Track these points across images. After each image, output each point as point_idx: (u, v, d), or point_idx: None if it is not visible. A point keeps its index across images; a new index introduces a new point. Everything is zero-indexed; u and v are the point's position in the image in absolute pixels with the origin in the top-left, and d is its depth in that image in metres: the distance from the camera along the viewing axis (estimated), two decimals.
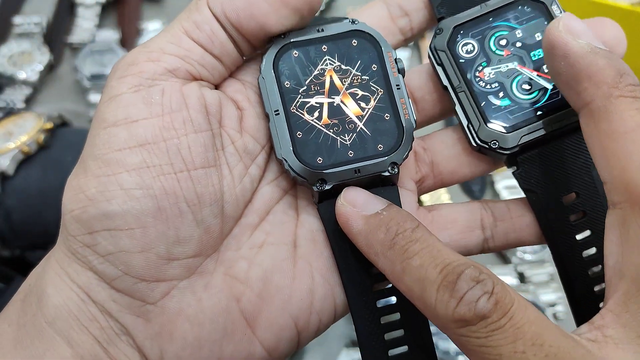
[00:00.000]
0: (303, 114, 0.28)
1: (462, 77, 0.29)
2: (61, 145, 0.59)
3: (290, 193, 0.30)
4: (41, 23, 0.80)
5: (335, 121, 0.28)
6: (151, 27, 0.81)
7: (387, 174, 0.27)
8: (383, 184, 0.28)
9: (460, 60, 0.29)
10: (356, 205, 0.26)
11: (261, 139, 0.29)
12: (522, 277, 0.61)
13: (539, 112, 0.28)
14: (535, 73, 0.29)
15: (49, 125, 0.60)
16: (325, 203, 0.28)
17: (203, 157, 0.26)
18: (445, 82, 0.29)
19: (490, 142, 0.28)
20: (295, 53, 0.28)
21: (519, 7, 0.30)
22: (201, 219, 0.26)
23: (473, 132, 0.29)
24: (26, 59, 0.76)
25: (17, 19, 0.81)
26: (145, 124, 0.25)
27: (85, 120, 0.74)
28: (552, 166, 0.28)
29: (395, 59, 0.28)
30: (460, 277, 0.22)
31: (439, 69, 0.30)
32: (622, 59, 0.30)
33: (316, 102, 0.28)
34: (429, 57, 0.30)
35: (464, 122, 0.29)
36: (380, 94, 0.28)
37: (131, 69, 0.26)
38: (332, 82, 0.28)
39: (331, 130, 0.27)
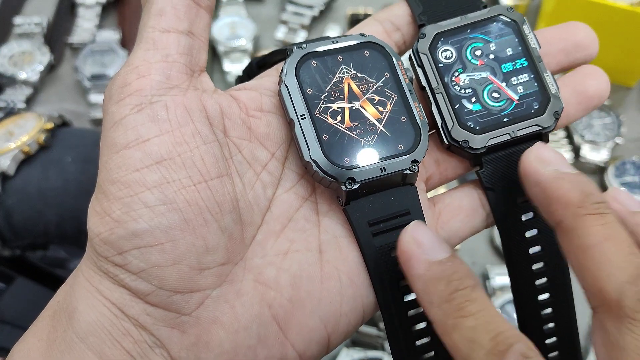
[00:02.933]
0: (327, 118, 0.29)
1: (440, 79, 0.31)
2: (61, 146, 0.60)
3: (310, 200, 0.30)
4: (42, 23, 0.80)
5: (357, 124, 0.29)
6: None
7: (408, 172, 0.29)
8: (403, 184, 0.29)
9: (439, 65, 0.32)
10: (421, 246, 0.26)
11: (271, 147, 0.29)
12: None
13: (505, 119, 0.31)
14: (504, 84, 0.31)
15: (50, 125, 0.60)
16: (352, 205, 0.29)
17: (216, 167, 0.27)
18: (424, 82, 0.31)
19: (461, 142, 0.30)
20: (314, 63, 0.30)
21: (494, 23, 0.32)
22: (225, 226, 0.27)
23: (445, 131, 0.31)
24: (27, 59, 0.76)
25: (17, 20, 0.81)
26: (158, 142, 0.26)
27: (86, 120, 0.74)
28: (511, 169, 0.31)
29: (405, 68, 0.31)
30: (510, 349, 0.22)
31: (419, 70, 0.32)
32: (595, 57, 0.33)
33: (338, 107, 0.29)
34: (410, 59, 0.32)
35: (438, 122, 0.31)
36: (394, 98, 0.30)
37: (126, 90, 0.26)
38: (350, 88, 0.30)
39: (354, 133, 0.29)
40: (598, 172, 0.70)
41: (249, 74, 0.37)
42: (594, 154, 0.70)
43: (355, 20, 0.84)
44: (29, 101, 0.74)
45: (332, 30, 0.83)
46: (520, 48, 0.32)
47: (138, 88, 0.26)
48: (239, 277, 0.27)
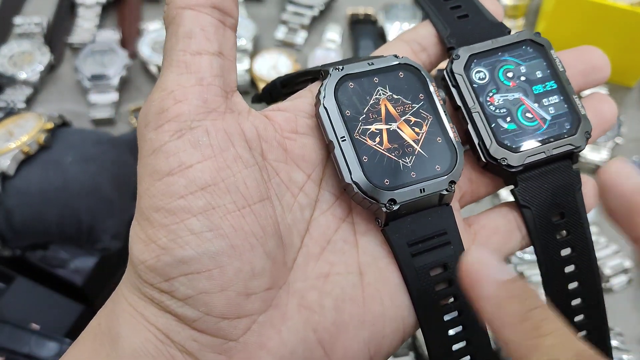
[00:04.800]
0: (366, 140, 0.29)
1: (476, 99, 0.32)
2: (62, 146, 0.59)
3: (347, 221, 0.30)
4: (42, 23, 0.80)
5: (395, 145, 0.29)
6: (151, 27, 0.81)
7: (446, 192, 0.29)
8: (439, 204, 0.30)
9: (474, 85, 0.32)
10: (488, 267, 0.25)
11: (307, 168, 0.29)
12: (521, 277, 0.61)
13: (540, 138, 0.32)
14: (536, 105, 0.32)
15: (50, 125, 0.60)
16: (391, 226, 0.29)
17: (258, 191, 0.27)
18: (459, 102, 0.32)
19: (500, 159, 0.31)
20: (351, 84, 0.30)
21: (523, 47, 0.33)
22: (269, 250, 0.27)
23: (483, 149, 0.31)
24: (27, 59, 0.76)
25: (17, 20, 0.81)
26: (202, 168, 0.26)
27: (86, 120, 0.74)
28: (546, 187, 0.32)
29: (438, 89, 0.31)
30: None
31: (454, 90, 0.32)
32: (610, 72, 0.35)
33: (376, 129, 0.29)
34: (443, 79, 0.33)
35: (475, 140, 0.32)
36: (430, 120, 0.30)
37: (165, 116, 0.26)
38: (387, 110, 0.30)
39: (393, 154, 0.29)
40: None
41: (271, 93, 0.37)
42: (594, 154, 0.70)
43: (355, 20, 0.84)
44: (29, 101, 0.74)
45: (332, 30, 0.83)
46: (548, 71, 0.33)
47: (177, 114, 0.26)
48: (283, 301, 0.27)
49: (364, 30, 0.83)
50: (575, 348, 0.22)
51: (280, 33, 0.82)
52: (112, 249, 0.58)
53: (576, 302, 0.32)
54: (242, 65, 0.77)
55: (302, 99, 0.31)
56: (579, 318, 0.32)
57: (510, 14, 0.82)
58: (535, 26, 0.81)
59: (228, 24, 0.29)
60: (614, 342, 0.57)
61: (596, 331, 0.32)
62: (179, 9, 0.27)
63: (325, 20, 0.85)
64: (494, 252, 0.26)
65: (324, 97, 0.29)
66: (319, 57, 0.78)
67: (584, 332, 0.32)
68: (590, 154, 0.69)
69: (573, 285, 0.32)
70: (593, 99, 0.35)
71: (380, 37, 0.84)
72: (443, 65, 0.34)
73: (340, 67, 0.30)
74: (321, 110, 0.29)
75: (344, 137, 0.29)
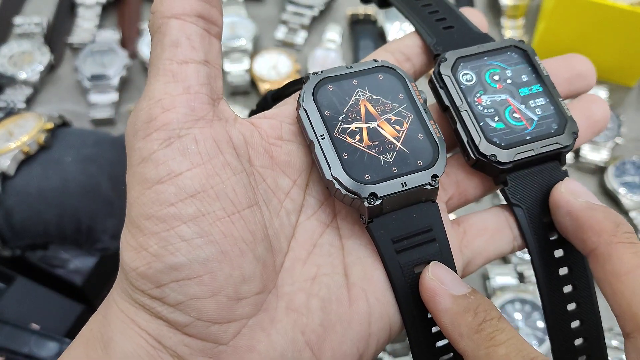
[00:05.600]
0: (346, 138, 0.30)
1: (464, 98, 0.32)
2: (61, 146, 0.59)
3: (332, 225, 0.31)
4: (42, 23, 0.80)
5: (376, 142, 0.30)
6: None
7: (429, 187, 0.29)
8: (424, 201, 0.30)
9: (461, 86, 0.33)
10: (444, 282, 0.27)
11: (292, 174, 0.30)
12: (521, 277, 0.61)
13: (527, 137, 0.32)
14: (523, 106, 0.33)
15: (50, 125, 0.60)
16: (375, 222, 0.29)
17: (246, 197, 0.27)
18: (447, 102, 0.32)
19: (489, 156, 0.31)
20: (330, 87, 0.31)
21: (508, 53, 0.34)
22: (259, 255, 0.27)
23: (472, 146, 0.32)
24: (27, 59, 0.76)
25: (17, 20, 0.81)
26: (191, 175, 0.26)
27: (86, 120, 0.74)
28: (536, 186, 0.32)
29: (419, 90, 0.32)
30: None
31: (442, 92, 0.33)
32: (593, 87, 0.36)
33: (356, 127, 0.30)
34: (431, 81, 0.34)
35: (464, 138, 0.32)
36: (410, 118, 0.31)
37: (153, 125, 0.26)
38: (367, 110, 0.31)
39: (373, 151, 0.30)
40: (598, 172, 0.70)
41: (263, 107, 0.38)
42: (594, 154, 0.70)
43: (355, 20, 0.84)
44: (29, 101, 0.74)
45: (332, 30, 0.83)
46: (534, 75, 0.34)
47: (165, 122, 0.26)
48: (272, 304, 0.28)
49: (364, 30, 0.83)
50: (527, 356, 0.23)
51: (280, 33, 0.82)
52: (112, 249, 0.58)
53: (571, 306, 0.32)
54: (242, 65, 0.77)
55: (287, 106, 0.32)
56: (575, 324, 0.32)
57: (510, 14, 0.82)
58: (536, 26, 0.81)
59: (213, 32, 0.29)
60: (614, 342, 0.57)
61: (591, 334, 0.32)
62: (164, 18, 0.28)
63: (325, 20, 0.85)
64: (451, 272, 0.28)
65: (303, 99, 0.30)
66: (319, 57, 0.78)
67: (580, 341, 0.32)
68: (590, 154, 0.69)
69: (568, 289, 0.32)
70: (584, 100, 0.35)
71: (380, 37, 0.84)
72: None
73: (319, 71, 0.31)
74: (301, 112, 0.30)
75: (323, 135, 0.29)
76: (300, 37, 0.82)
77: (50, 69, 0.77)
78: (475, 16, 0.37)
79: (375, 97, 0.31)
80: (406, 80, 0.32)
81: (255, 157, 0.29)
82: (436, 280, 0.27)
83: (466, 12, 0.37)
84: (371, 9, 0.85)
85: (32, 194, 0.56)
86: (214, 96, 0.28)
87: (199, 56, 0.28)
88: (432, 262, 0.28)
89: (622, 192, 0.67)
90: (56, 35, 0.81)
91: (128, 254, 0.26)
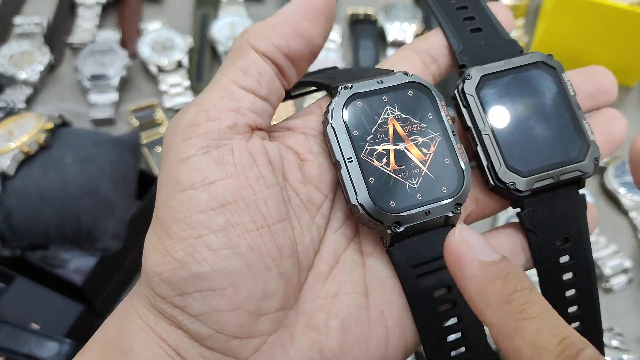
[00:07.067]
0: (373, 161, 0.29)
1: (487, 121, 0.31)
2: (61, 146, 0.59)
3: (355, 241, 0.30)
4: (42, 23, 0.80)
5: (402, 166, 0.29)
6: (151, 27, 0.81)
7: (451, 214, 0.29)
8: (444, 225, 0.30)
9: (485, 107, 0.32)
10: (472, 247, 0.24)
11: (324, 189, 0.30)
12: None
13: (548, 162, 0.31)
14: (545, 128, 0.32)
15: (50, 125, 0.60)
16: (396, 246, 0.29)
17: (278, 211, 0.27)
18: (469, 123, 0.32)
19: (508, 183, 0.31)
20: (359, 103, 0.30)
21: (535, 70, 0.33)
22: (284, 271, 0.27)
23: (492, 172, 0.31)
24: (27, 59, 0.76)
25: (17, 20, 0.81)
26: (224, 185, 0.26)
27: (86, 120, 0.74)
28: (552, 211, 0.32)
29: (447, 108, 0.31)
30: (581, 354, 0.21)
31: (465, 111, 0.32)
32: (614, 99, 0.35)
33: (383, 149, 0.29)
34: (454, 98, 0.33)
35: (484, 162, 0.31)
36: (438, 140, 0.30)
37: (194, 130, 0.26)
38: (395, 130, 0.30)
39: (399, 175, 0.29)
40: (598, 172, 0.70)
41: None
42: None
43: (355, 20, 0.84)
44: (29, 101, 0.74)
45: (332, 30, 0.83)
46: (559, 95, 0.32)
47: (207, 130, 0.26)
48: (292, 322, 0.27)
49: (364, 30, 0.83)
50: (561, 334, 0.22)
51: None
52: (112, 249, 0.58)
53: (574, 325, 0.32)
54: None
55: (312, 116, 0.31)
56: None
57: None
58: (536, 26, 0.81)
59: (286, 75, 0.29)
60: (614, 342, 0.57)
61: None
62: (248, 44, 0.28)
63: None
64: (480, 237, 0.25)
65: (332, 117, 0.29)
66: (319, 57, 0.78)
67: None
68: None
69: (573, 309, 0.32)
70: (605, 116, 0.35)
71: (380, 37, 0.84)
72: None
73: (350, 85, 0.30)
74: (329, 129, 0.29)
75: (350, 158, 0.28)
76: None
77: (50, 69, 0.77)
78: (503, 13, 0.35)
79: (404, 115, 0.30)
80: (436, 99, 0.31)
81: (290, 171, 0.29)
82: (464, 243, 0.24)
83: (493, 7, 0.35)
84: (371, 9, 0.85)
85: (32, 194, 0.56)
86: (260, 125, 0.28)
87: (261, 91, 0.28)
88: (459, 225, 0.27)
89: (622, 192, 0.67)
90: (56, 35, 0.81)
91: (152, 258, 0.26)
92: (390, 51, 0.82)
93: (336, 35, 0.82)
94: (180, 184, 0.26)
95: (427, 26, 0.84)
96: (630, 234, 0.67)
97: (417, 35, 0.83)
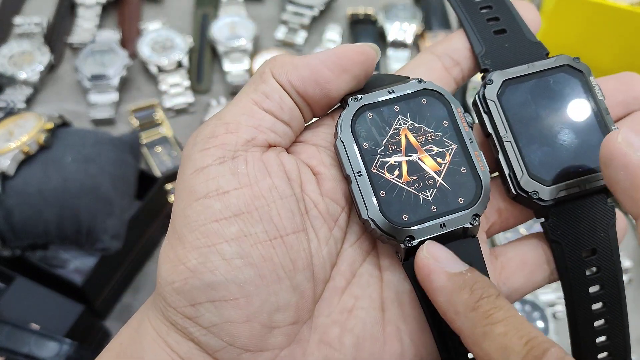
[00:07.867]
0: (384, 174, 0.28)
1: (509, 127, 0.30)
2: (61, 145, 0.59)
3: (372, 254, 0.30)
4: (42, 23, 0.80)
5: (415, 178, 0.28)
6: (151, 27, 0.81)
7: (469, 226, 0.28)
8: (464, 236, 0.29)
9: (507, 113, 0.31)
10: (439, 260, 0.26)
11: (340, 201, 0.29)
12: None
13: (573, 171, 0.30)
14: (572, 135, 0.31)
15: (50, 125, 0.60)
16: (411, 260, 0.28)
17: (292, 222, 0.27)
18: (490, 129, 0.31)
19: (531, 192, 0.30)
20: (370, 115, 0.29)
21: (560, 73, 0.32)
22: (297, 284, 0.26)
23: (514, 181, 0.30)
24: (27, 59, 0.76)
25: (17, 20, 0.81)
26: (237, 194, 0.26)
27: (86, 120, 0.74)
28: (577, 222, 0.30)
29: (464, 114, 0.30)
30: (547, 354, 0.22)
31: (486, 117, 0.31)
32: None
33: (395, 161, 0.28)
34: (475, 104, 0.32)
35: (506, 171, 0.30)
36: (454, 148, 0.29)
37: (212, 142, 0.27)
38: (407, 140, 0.29)
39: (412, 187, 0.28)
40: None
41: None
42: None
43: (355, 20, 0.84)
44: (29, 101, 0.74)
45: (332, 30, 0.83)
46: (587, 101, 0.31)
47: (224, 142, 0.27)
48: (305, 337, 0.27)
49: (364, 30, 0.83)
50: (527, 335, 0.23)
51: (280, 33, 0.82)
52: (112, 249, 0.58)
53: (601, 339, 0.31)
54: (242, 65, 0.77)
55: (322, 128, 0.31)
56: (601, 355, 0.31)
57: None
58: None
59: (303, 112, 0.29)
60: None
61: None
62: (270, 72, 0.28)
63: (325, 20, 0.85)
64: (446, 250, 0.27)
65: (341, 130, 0.28)
66: None
67: None
68: None
69: (599, 322, 0.31)
70: (636, 123, 0.33)
71: (380, 37, 0.84)
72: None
73: (359, 97, 0.29)
74: (338, 143, 0.28)
75: (360, 172, 0.28)
76: (300, 37, 0.82)
77: (50, 68, 0.77)
78: (529, 13, 0.33)
79: (417, 125, 0.29)
80: (452, 105, 0.30)
81: (307, 183, 0.28)
82: (431, 257, 0.26)
83: (519, 6, 0.34)
84: (371, 9, 0.85)
85: (32, 194, 0.56)
86: (278, 144, 0.28)
87: (283, 116, 0.28)
88: (427, 241, 0.27)
89: None
90: (56, 35, 0.81)
91: (165, 267, 0.26)
92: (390, 51, 0.82)
93: (336, 35, 0.82)
94: (196, 193, 0.26)
95: (427, 26, 0.85)
96: (631, 234, 0.67)
97: (417, 35, 0.83)
